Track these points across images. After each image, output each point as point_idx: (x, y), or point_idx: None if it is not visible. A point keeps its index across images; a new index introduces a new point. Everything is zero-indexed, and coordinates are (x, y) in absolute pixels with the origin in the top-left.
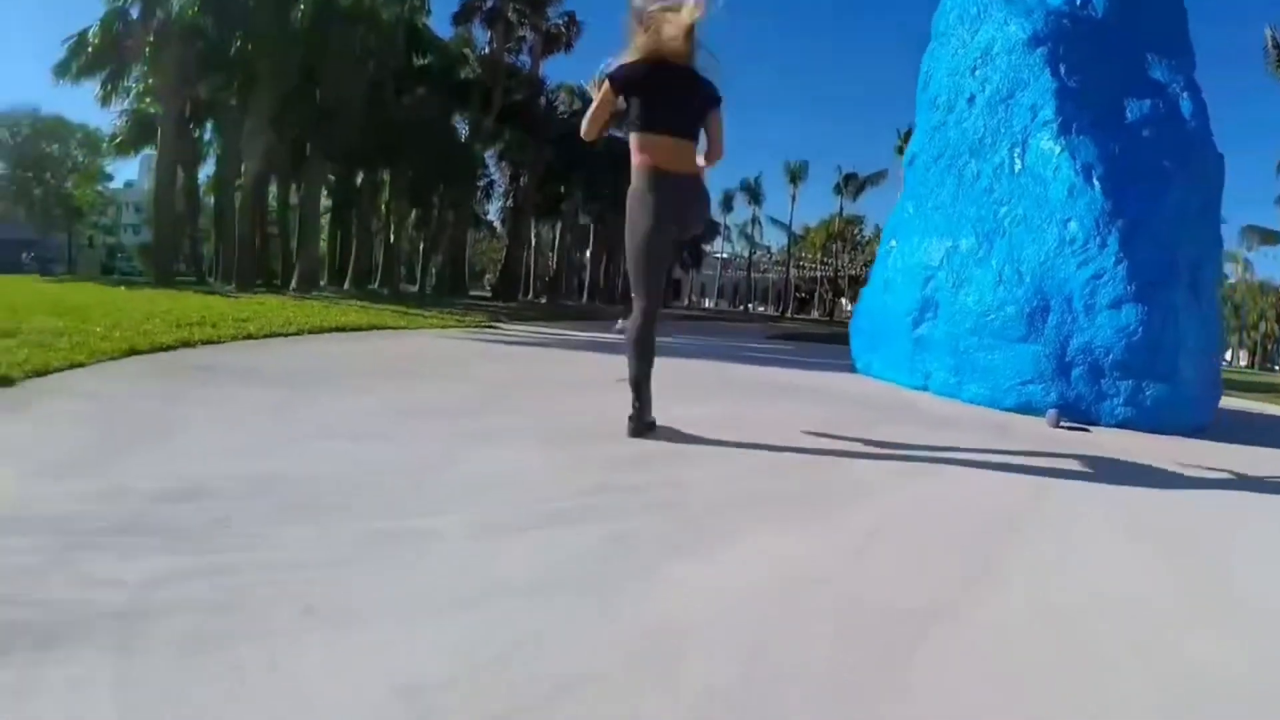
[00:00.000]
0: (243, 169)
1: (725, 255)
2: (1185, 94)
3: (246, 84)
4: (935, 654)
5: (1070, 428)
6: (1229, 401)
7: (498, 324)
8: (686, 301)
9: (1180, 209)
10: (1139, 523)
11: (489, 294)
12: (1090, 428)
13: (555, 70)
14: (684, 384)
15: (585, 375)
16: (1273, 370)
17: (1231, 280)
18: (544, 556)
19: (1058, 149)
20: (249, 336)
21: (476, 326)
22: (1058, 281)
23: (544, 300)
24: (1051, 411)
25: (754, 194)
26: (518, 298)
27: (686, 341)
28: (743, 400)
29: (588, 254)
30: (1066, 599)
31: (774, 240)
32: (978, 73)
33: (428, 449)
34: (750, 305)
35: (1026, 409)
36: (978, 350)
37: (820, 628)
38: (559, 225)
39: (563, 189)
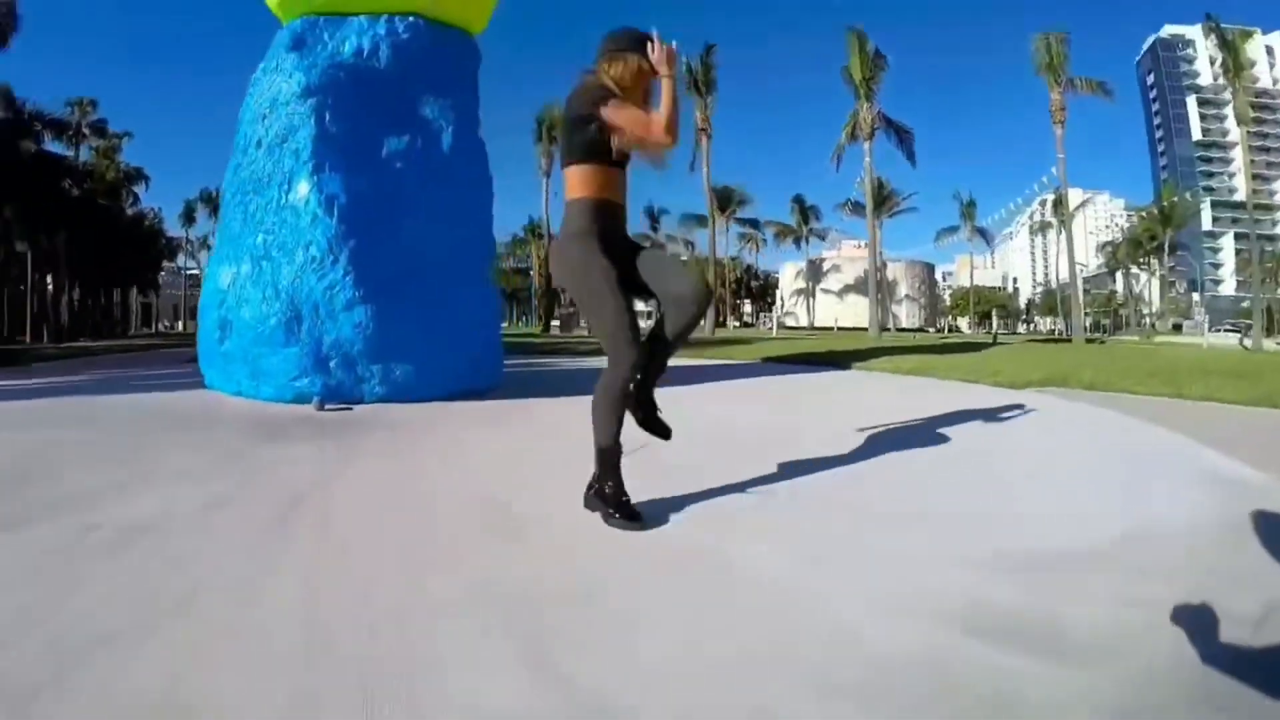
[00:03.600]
0: None
1: None
2: (450, 128)
3: None
4: None
5: (333, 409)
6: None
7: None
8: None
9: (420, 226)
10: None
11: None
12: (354, 406)
13: None
14: None
15: None
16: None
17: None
18: None
19: (309, 186)
20: None
21: None
22: (305, 294)
23: None
24: (315, 399)
25: None
26: None
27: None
28: None
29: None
30: None
31: None
32: (266, 120)
33: None
34: None
35: (303, 400)
36: (261, 358)
37: None
38: None
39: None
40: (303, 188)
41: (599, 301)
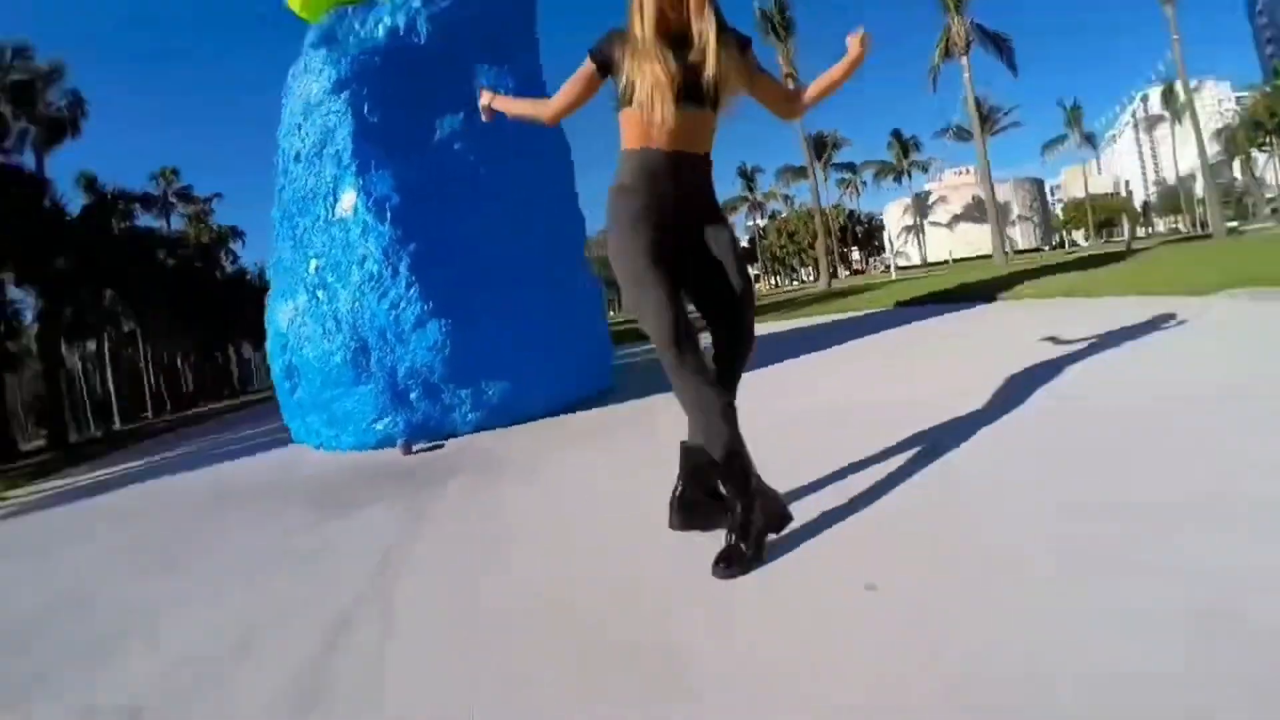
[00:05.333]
0: None
1: None
2: (511, 95)
3: None
4: None
5: (422, 449)
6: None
7: None
8: None
9: (491, 215)
10: None
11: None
12: (446, 441)
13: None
14: None
15: None
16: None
17: (784, 214)
18: None
19: (354, 192)
20: None
21: None
22: (368, 318)
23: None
24: (401, 442)
25: None
26: (68, 442)
27: None
28: None
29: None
30: None
31: None
32: (301, 129)
33: None
34: None
35: (389, 443)
36: (333, 402)
37: None
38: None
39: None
40: (348, 197)
41: (621, 268)
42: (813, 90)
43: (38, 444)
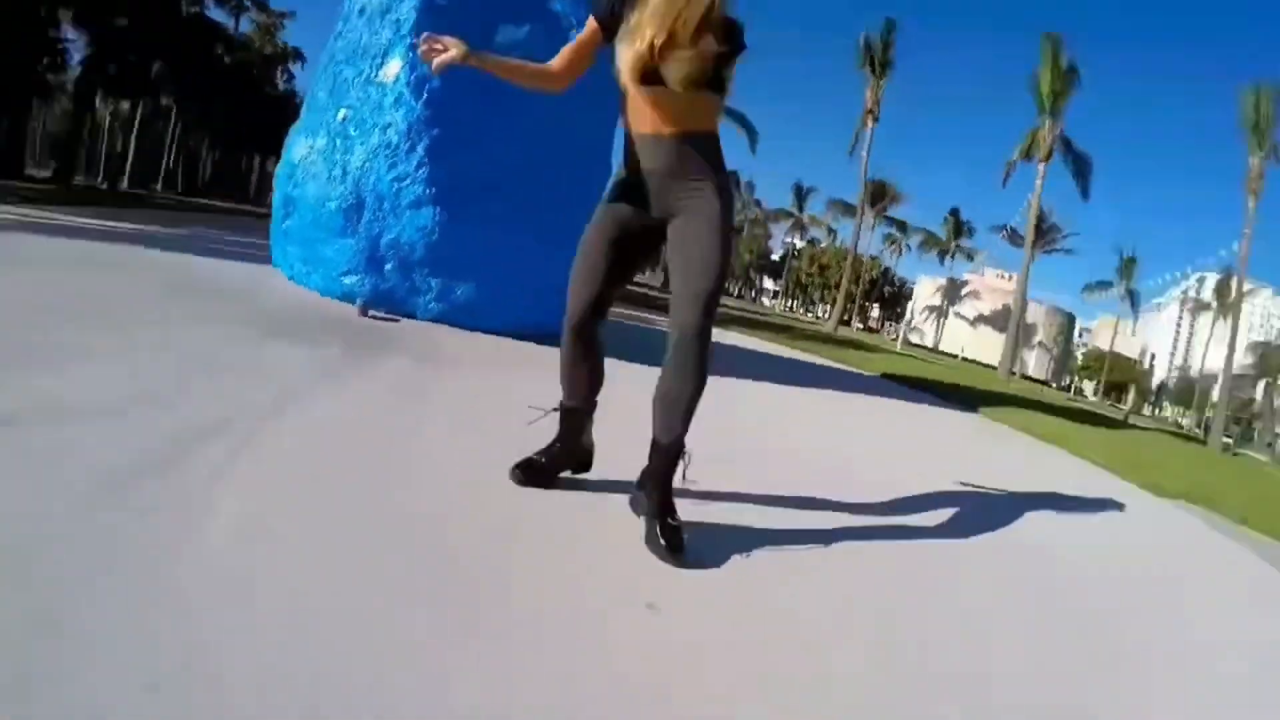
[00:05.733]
0: None
1: None
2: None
3: None
4: None
5: (378, 317)
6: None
7: None
8: None
9: (518, 130)
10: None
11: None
12: (400, 319)
13: None
14: None
15: None
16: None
17: (823, 244)
18: None
19: (401, 63)
20: None
21: None
22: (372, 181)
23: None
24: (359, 301)
25: None
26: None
27: None
28: None
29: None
30: None
31: None
32: None
33: None
34: None
35: (349, 298)
36: (315, 243)
37: None
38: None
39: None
40: (394, 65)
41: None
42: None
43: (45, 174)
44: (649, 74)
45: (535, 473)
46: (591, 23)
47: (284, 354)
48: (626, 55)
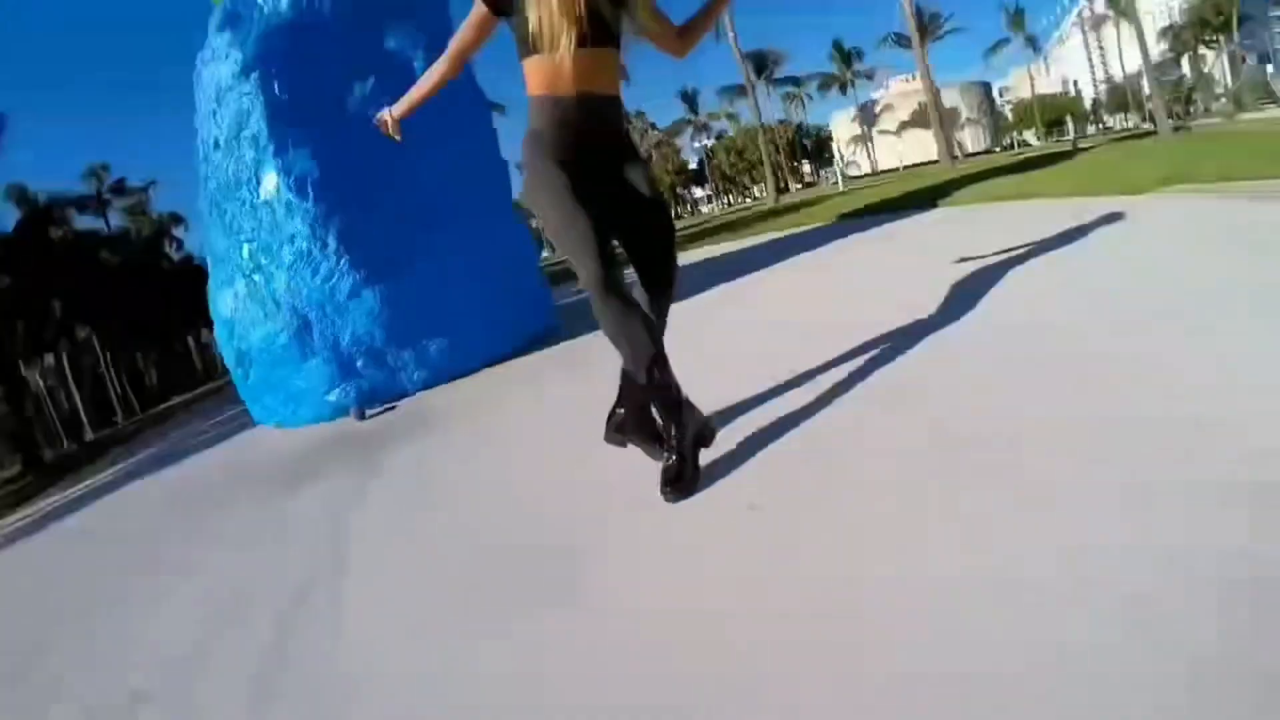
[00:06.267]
0: None
1: None
2: (421, 51)
3: None
4: None
5: (375, 414)
6: None
7: None
8: None
9: (414, 175)
10: None
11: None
12: (395, 404)
13: None
14: None
15: None
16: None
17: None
18: None
19: (275, 174)
20: None
21: None
22: (305, 295)
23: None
24: (354, 410)
25: None
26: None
27: None
28: None
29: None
30: None
31: None
32: (216, 115)
33: None
34: None
35: (343, 412)
36: (286, 380)
37: None
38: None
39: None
40: (270, 178)
41: (544, 211)
42: (695, 27)
43: (11, 473)
44: (585, 37)
45: (659, 447)
46: (480, 7)
47: (309, 492)
48: (553, 20)
